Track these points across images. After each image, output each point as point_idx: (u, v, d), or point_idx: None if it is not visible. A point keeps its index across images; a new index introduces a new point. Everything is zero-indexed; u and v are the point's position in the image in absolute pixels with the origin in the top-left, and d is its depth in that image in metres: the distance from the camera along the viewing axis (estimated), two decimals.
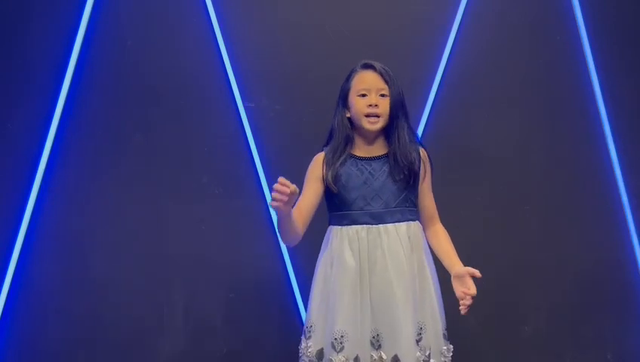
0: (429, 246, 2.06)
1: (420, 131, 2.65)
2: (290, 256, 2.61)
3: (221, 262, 2.61)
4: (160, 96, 2.64)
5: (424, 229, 2.07)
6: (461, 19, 2.69)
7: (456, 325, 2.66)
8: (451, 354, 2.02)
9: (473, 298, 1.90)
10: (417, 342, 1.93)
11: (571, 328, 2.68)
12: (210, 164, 2.63)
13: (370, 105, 1.95)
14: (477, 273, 1.90)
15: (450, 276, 1.99)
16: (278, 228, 1.92)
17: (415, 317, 1.93)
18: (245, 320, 2.62)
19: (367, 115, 1.96)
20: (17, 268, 2.57)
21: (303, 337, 2.00)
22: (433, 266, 2.03)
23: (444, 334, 2.01)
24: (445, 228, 2.10)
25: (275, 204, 1.75)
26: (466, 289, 1.91)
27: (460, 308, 1.91)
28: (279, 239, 2.58)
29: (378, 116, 1.96)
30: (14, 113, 2.62)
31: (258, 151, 2.63)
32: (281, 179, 1.74)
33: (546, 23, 2.73)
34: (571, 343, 2.67)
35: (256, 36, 2.67)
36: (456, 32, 2.69)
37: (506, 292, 2.66)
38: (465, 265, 1.95)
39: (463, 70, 2.68)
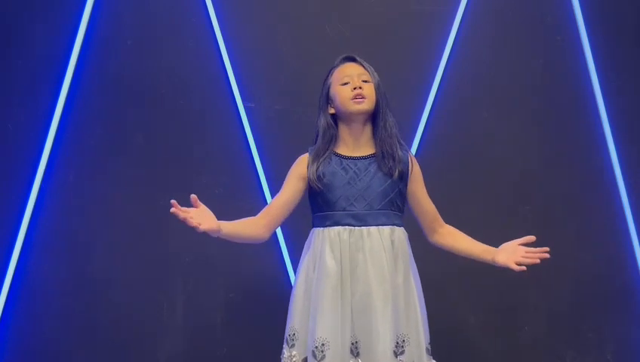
0: (451, 248, 2.02)
1: (419, 131, 2.65)
2: (290, 256, 2.60)
3: (221, 262, 2.60)
4: (160, 96, 2.64)
5: (431, 235, 2.04)
6: (461, 20, 2.69)
7: (456, 325, 2.66)
8: None
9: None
10: (398, 354, 1.84)
11: (571, 328, 2.67)
12: (210, 164, 2.63)
13: (354, 89, 1.92)
14: (532, 238, 1.93)
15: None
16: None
17: (395, 328, 1.84)
18: (245, 320, 2.61)
19: (353, 98, 1.91)
20: (17, 268, 2.57)
21: (285, 345, 1.92)
22: (418, 278, 1.96)
23: (427, 349, 1.92)
24: None
25: (192, 223, 1.74)
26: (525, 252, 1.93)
27: (523, 257, 1.93)
28: (279, 239, 2.59)
29: (364, 97, 1.92)
30: (14, 113, 2.62)
31: (258, 151, 2.62)
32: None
33: (546, 23, 2.73)
34: (571, 343, 2.67)
35: (256, 36, 2.67)
36: (456, 32, 2.69)
37: (505, 293, 2.65)
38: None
39: (462, 70, 2.68)
